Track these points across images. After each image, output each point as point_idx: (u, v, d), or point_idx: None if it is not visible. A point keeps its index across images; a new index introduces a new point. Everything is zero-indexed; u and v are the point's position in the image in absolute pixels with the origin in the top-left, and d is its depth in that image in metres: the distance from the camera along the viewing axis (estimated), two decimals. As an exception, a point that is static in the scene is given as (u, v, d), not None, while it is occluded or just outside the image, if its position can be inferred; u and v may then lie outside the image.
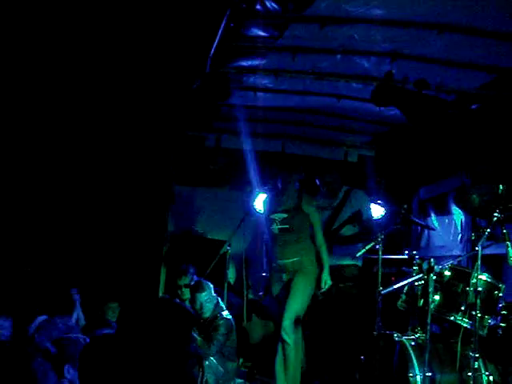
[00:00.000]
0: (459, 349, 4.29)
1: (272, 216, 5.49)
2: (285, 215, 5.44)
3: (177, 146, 7.55)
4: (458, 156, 6.56)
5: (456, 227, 6.70)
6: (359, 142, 7.96)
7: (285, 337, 5.12)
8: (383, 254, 5.40)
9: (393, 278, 6.04)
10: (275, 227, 5.44)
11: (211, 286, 5.99)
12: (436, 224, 7.10)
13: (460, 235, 6.68)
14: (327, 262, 5.42)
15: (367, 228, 5.74)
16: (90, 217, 7.25)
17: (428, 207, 7.35)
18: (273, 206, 5.59)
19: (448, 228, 6.85)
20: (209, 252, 6.57)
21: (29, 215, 7.13)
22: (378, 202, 6.58)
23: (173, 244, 7.54)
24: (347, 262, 5.84)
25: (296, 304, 5.22)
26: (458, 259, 5.09)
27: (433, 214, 7.20)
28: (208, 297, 5.88)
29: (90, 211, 7.24)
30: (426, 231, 7.28)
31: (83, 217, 7.31)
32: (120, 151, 6.87)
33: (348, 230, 5.88)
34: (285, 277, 5.38)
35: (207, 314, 5.86)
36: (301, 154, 7.68)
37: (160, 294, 6.45)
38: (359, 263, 5.92)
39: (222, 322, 5.79)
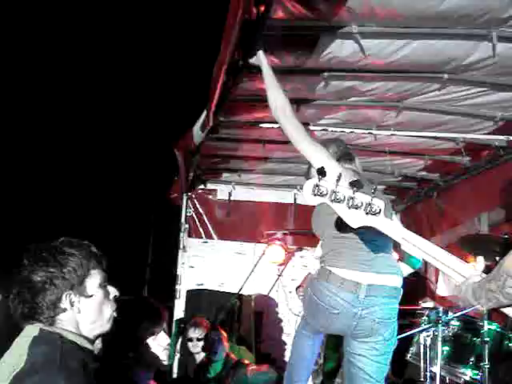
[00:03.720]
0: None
1: None
2: None
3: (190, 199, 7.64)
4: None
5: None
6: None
7: None
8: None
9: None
10: None
11: (225, 335, 5.70)
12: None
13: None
14: None
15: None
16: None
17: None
18: None
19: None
20: (222, 305, 6.49)
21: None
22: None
23: (186, 297, 7.48)
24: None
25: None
26: (471, 309, 4.95)
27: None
28: (219, 337, 5.45)
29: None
30: (441, 280, 7.12)
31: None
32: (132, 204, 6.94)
33: None
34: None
35: (219, 361, 5.34)
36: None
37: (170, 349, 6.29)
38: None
39: None
